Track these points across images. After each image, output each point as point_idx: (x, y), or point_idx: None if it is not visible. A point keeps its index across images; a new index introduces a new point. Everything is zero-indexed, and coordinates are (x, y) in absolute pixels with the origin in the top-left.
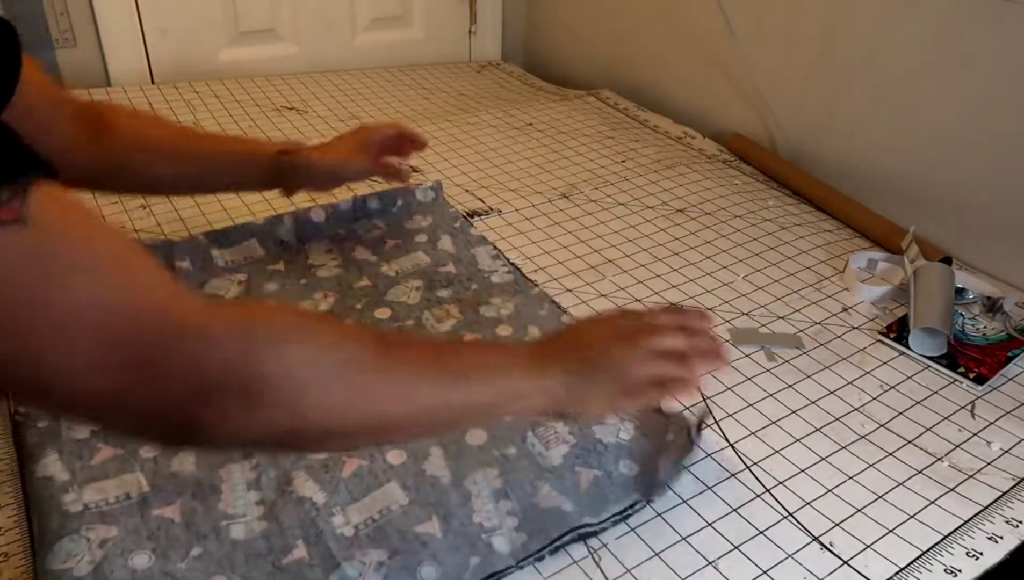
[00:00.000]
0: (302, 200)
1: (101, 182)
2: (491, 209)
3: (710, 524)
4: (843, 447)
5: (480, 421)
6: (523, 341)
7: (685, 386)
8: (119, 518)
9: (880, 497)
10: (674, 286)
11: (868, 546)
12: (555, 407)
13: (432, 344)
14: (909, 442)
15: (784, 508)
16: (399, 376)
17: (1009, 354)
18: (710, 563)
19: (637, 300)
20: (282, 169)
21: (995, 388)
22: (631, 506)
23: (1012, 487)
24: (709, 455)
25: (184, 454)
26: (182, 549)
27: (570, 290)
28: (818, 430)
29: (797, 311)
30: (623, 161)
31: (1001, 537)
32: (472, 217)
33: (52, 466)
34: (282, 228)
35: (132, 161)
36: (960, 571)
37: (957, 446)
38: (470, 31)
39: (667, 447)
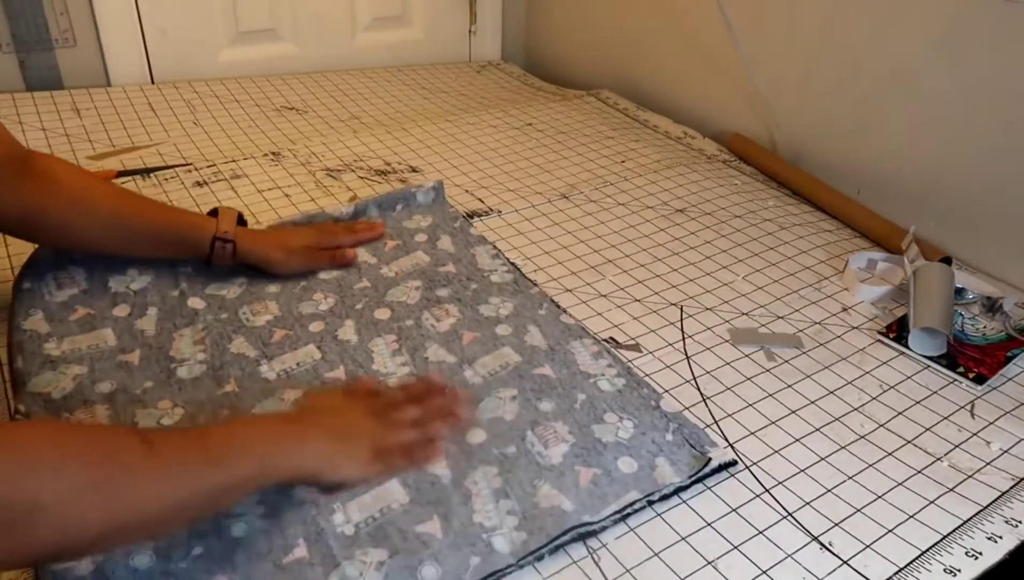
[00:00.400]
0: (302, 200)
1: (21, 231)
2: (491, 209)
3: (709, 524)
4: (843, 447)
5: (241, 495)
6: (282, 412)
7: (427, 450)
8: None
9: (880, 497)
10: (674, 286)
11: (868, 546)
12: (312, 472)
13: (194, 433)
14: (908, 442)
15: (784, 508)
16: (165, 473)
17: (1009, 354)
18: (709, 563)
19: (637, 300)
20: (218, 253)
21: (995, 388)
22: (630, 505)
23: (1011, 487)
24: (710, 459)
25: None
26: (183, 548)
27: (570, 290)
28: (818, 430)
29: (797, 311)
30: (623, 161)
31: (1000, 537)
32: (472, 217)
33: None
34: None
35: (58, 215)
36: (959, 571)
37: (956, 446)
38: (470, 31)
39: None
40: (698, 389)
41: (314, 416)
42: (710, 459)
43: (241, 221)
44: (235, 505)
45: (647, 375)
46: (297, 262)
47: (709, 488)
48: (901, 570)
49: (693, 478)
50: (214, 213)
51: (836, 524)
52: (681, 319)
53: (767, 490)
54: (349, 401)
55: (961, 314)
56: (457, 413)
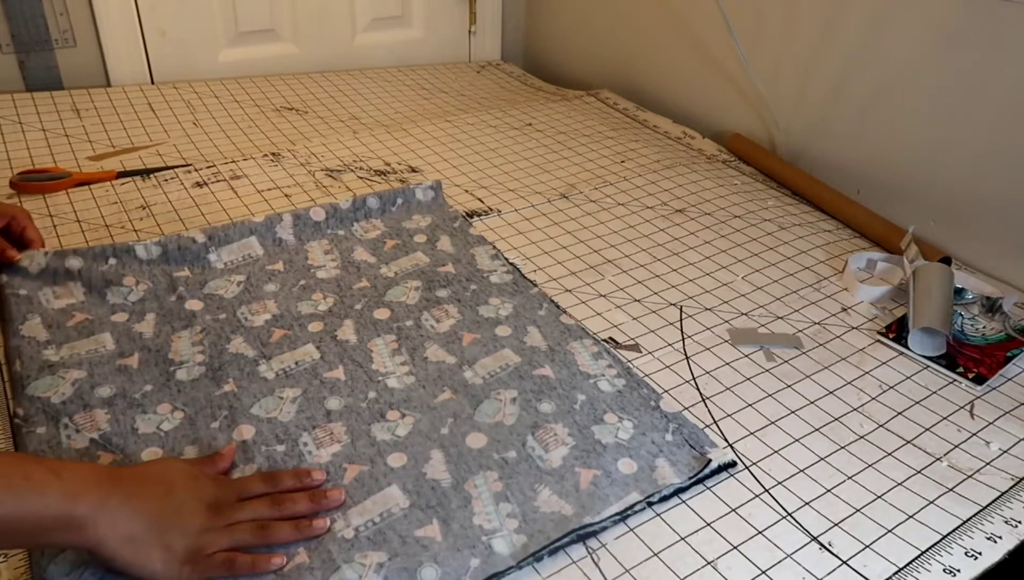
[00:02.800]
0: (301, 200)
1: None
2: (490, 209)
3: (709, 524)
4: (842, 447)
5: (41, 542)
6: (97, 466)
7: (253, 566)
8: None
9: (879, 497)
10: (673, 286)
11: (867, 546)
12: (103, 550)
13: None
14: (908, 442)
15: (783, 508)
16: None
17: (1008, 354)
18: (709, 563)
19: (636, 300)
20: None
21: (994, 388)
22: (630, 507)
23: (1011, 487)
24: (710, 459)
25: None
26: None
27: (569, 290)
28: (817, 430)
29: (796, 311)
30: (622, 161)
31: (1000, 537)
32: (471, 217)
33: None
34: (281, 226)
35: None
36: (959, 571)
37: (956, 446)
38: (470, 31)
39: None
40: (698, 389)
41: (137, 488)
42: (710, 460)
43: None
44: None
45: (647, 375)
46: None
47: (709, 488)
48: (901, 570)
49: (693, 479)
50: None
51: (836, 524)
52: (681, 319)
53: (767, 490)
54: (191, 483)
55: (961, 314)
56: (316, 525)
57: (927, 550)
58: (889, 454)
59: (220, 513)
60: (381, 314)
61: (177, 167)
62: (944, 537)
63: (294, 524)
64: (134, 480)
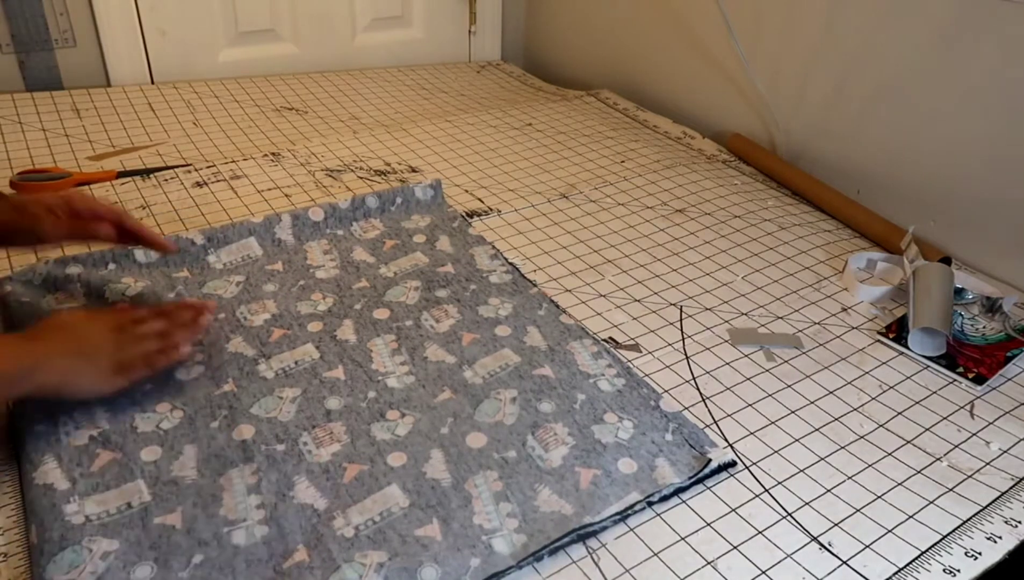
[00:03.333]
0: (301, 201)
1: None
2: (490, 209)
3: (709, 524)
4: (842, 447)
5: None
6: (21, 333)
7: (167, 355)
8: (121, 530)
9: (879, 497)
10: (673, 286)
11: (867, 546)
12: (49, 386)
13: None
14: (908, 442)
15: (783, 508)
16: None
17: (1008, 354)
18: (709, 563)
19: (636, 300)
20: None
21: (994, 388)
22: (631, 506)
23: (1011, 487)
24: (710, 459)
25: (185, 459)
26: (183, 557)
27: (569, 290)
28: (817, 430)
29: (796, 311)
30: (622, 161)
31: (1000, 537)
32: (471, 217)
33: (51, 473)
34: (280, 226)
35: None
36: (959, 571)
37: (956, 446)
38: (470, 31)
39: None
40: (698, 389)
41: (52, 333)
42: (710, 459)
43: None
44: None
45: (647, 375)
46: (37, 230)
47: (709, 488)
48: (900, 570)
49: (693, 478)
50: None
51: (835, 524)
52: (681, 319)
53: (767, 490)
54: (91, 319)
55: (961, 314)
56: (201, 321)
57: (927, 550)
58: (889, 454)
59: (124, 331)
60: (381, 314)
61: (177, 167)
62: (944, 537)
63: (186, 326)
64: (46, 332)
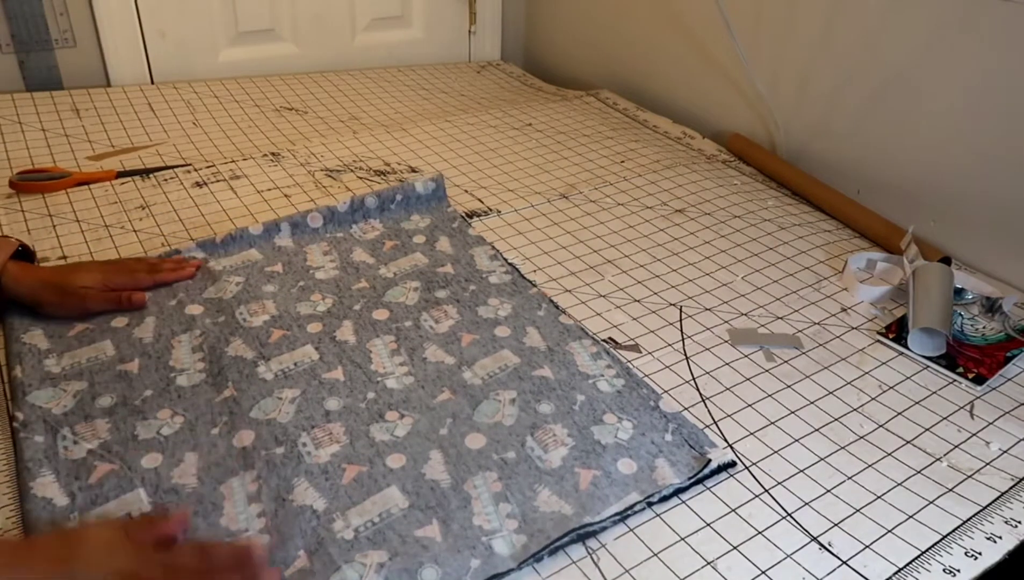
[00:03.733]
0: (301, 201)
1: None
2: (490, 209)
3: (709, 524)
4: (842, 447)
5: None
6: (35, 538)
7: None
8: None
9: (879, 497)
10: (673, 286)
11: (867, 546)
12: None
13: None
14: (908, 442)
15: (783, 508)
16: None
17: (1008, 354)
18: (709, 563)
19: (636, 300)
20: None
21: (994, 388)
22: (631, 507)
23: (1011, 487)
24: (710, 459)
25: (186, 466)
26: None
27: (569, 290)
28: (817, 430)
29: (796, 311)
30: (622, 161)
31: (1000, 537)
32: (471, 217)
33: (49, 487)
34: (279, 235)
35: None
36: (959, 571)
37: (956, 446)
38: (470, 31)
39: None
40: (697, 389)
41: (73, 554)
42: (709, 460)
43: (25, 255)
44: None
45: (646, 376)
46: (72, 304)
47: (708, 488)
48: (900, 570)
49: (692, 479)
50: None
51: (835, 524)
52: (680, 319)
53: (766, 490)
54: (133, 554)
55: (960, 314)
56: None
57: (927, 550)
58: (889, 454)
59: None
60: (380, 315)
61: (177, 167)
62: (944, 537)
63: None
64: (38, 551)
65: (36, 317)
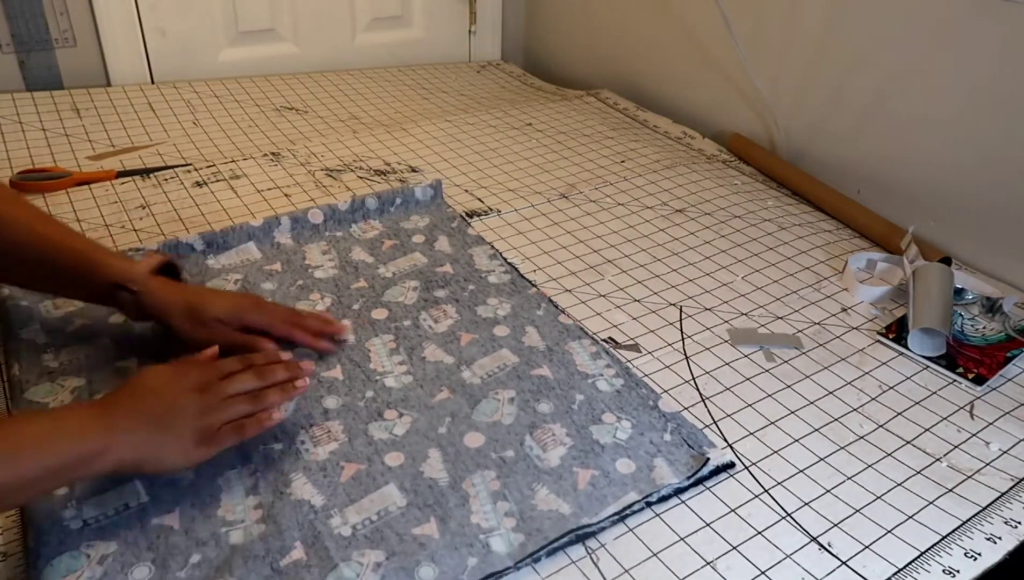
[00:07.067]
0: (301, 200)
1: None
2: (490, 209)
3: (708, 524)
4: (842, 447)
5: (35, 493)
6: (87, 400)
7: (259, 423)
8: (118, 531)
9: (879, 497)
10: (673, 286)
11: (867, 546)
12: (128, 463)
13: (14, 421)
14: (908, 442)
15: (783, 508)
16: None
17: (1008, 355)
18: (708, 563)
19: (636, 300)
20: (120, 302)
21: (994, 389)
22: (629, 506)
23: (1011, 488)
24: (708, 459)
25: None
26: (181, 557)
27: (569, 290)
28: (817, 430)
29: (796, 311)
30: (622, 161)
31: (1000, 538)
32: (471, 217)
33: None
34: (279, 230)
35: None
36: (958, 571)
37: (956, 447)
38: (470, 31)
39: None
40: (697, 389)
41: (131, 402)
42: (708, 459)
43: (171, 271)
44: (76, 482)
45: (646, 375)
46: (201, 335)
47: (708, 488)
48: (900, 571)
49: (691, 479)
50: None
51: (835, 525)
52: (680, 319)
53: (766, 490)
54: (175, 378)
55: (961, 314)
56: (297, 383)
57: (927, 551)
58: (889, 454)
59: (210, 391)
60: (379, 314)
61: (177, 167)
62: (944, 538)
63: (280, 387)
64: (125, 399)
65: (35, 316)
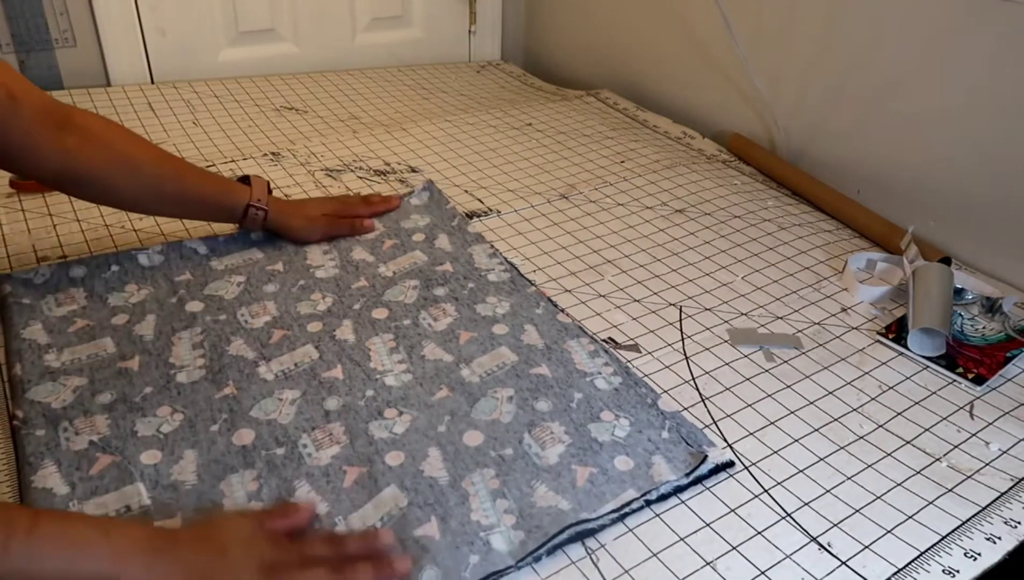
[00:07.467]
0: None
1: (62, 184)
2: (490, 209)
3: (708, 524)
4: (841, 447)
5: None
6: (147, 525)
7: None
8: None
9: (878, 498)
10: (673, 286)
11: (866, 547)
12: None
13: (18, 512)
14: (907, 442)
15: (782, 508)
16: (26, 557)
17: (1008, 354)
18: (708, 563)
19: (636, 300)
20: (251, 219)
21: (994, 389)
22: (627, 504)
23: (1010, 488)
24: (706, 456)
25: (185, 463)
26: None
27: (569, 290)
28: (816, 430)
29: (796, 311)
30: (622, 161)
31: (999, 538)
32: (471, 217)
33: (51, 478)
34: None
35: (100, 172)
36: (958, 572)
37: (955, 447)
38: (470, 31)
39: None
40: (697, 390)
41: (186, 542)
42: (706, 456)
43: (268, 191)
44: None
45: (646, 375)
46: (318, 230)
47: (708, 488)
48: (900, 571)
49: (691, 477)
50: (246, 180)
51: (835, 525)
52: (680, 319)
53: (766, 490)
54: (250, 543)
55: (960, 314)
56: (395, 570)
57: (926, 551)
58: (888, 454)
59: (276, 576)
60: (379, 313)
61: None
62: (943, 538)
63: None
64: (185, 541)
65: (36, 315)
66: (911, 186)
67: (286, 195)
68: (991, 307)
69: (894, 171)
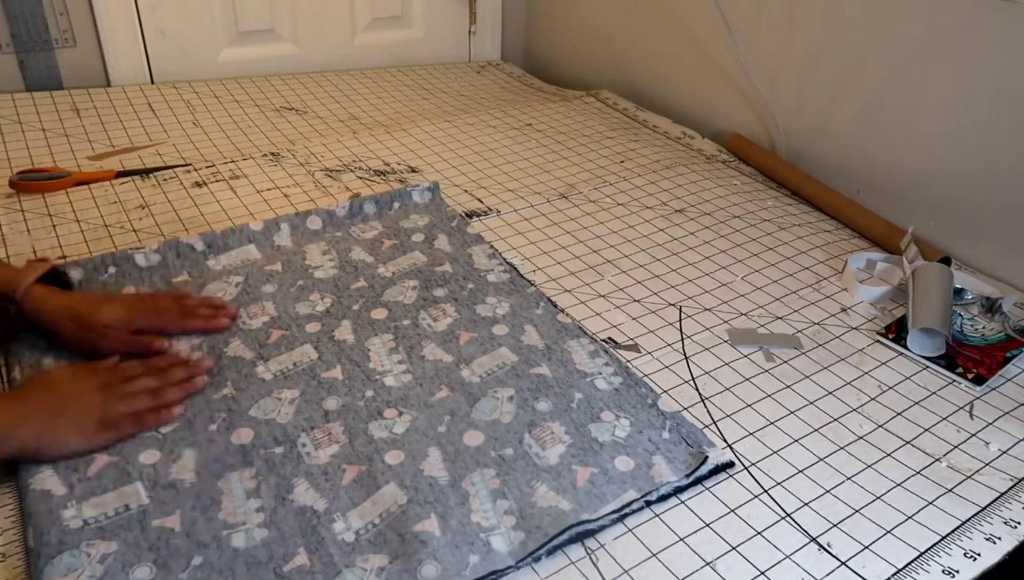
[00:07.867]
0: (301, 201)
1: None
2: (490, 209)
3: (708, 525)
4: (841, 448)
5: None
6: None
7: (159, 416)
8: (119, 532)
9: (878, 498)
10: (673, 286)
11: (866, 547)
12: (30, 447)
13: None
14: (907, 443)
15: (782, 509)
16: None
17: (1008, 355)
18: (708, 564)
19: (636, 300)
20: (1, 313)
21: (993, 389)
22: (627, 505)
23: (1010, 488)
24: (707, 457)
25: (184, 462)
26: (183, 559)
27: (568, 290)
28: (816, 431)
29: (796, 311)
30: (622, 161)
31: (999, 538)
32: (471, 217)
33: (48, 480)
34: (279, 235)
35: None
36: (958, 572)
37: (955, 447)
38: (470, 31)
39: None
40: (697, 390)
41: (34, 392)
42: (707, 457)
43: (59, 280)
44: None
45: (646, 376)
46: (88, 342)
47: (707, 489)
48: (899, 571)
49: (691, 477)
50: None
51: (835, 525)
52: (680, 319)
53: (766, 491)
54: (77, 377)
55: (960, 314)
56: (196, 382)
57: (926, 551)
58: (888, 455)
59: (112, 388)
60: (378, 314)
61: (176, 167)
62: (943, 538)
63: (179, 385)
64: (26, 392)
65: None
66: (911, 186)
67: (285, 196)
68: (991, 307)
69: (894, 171)
